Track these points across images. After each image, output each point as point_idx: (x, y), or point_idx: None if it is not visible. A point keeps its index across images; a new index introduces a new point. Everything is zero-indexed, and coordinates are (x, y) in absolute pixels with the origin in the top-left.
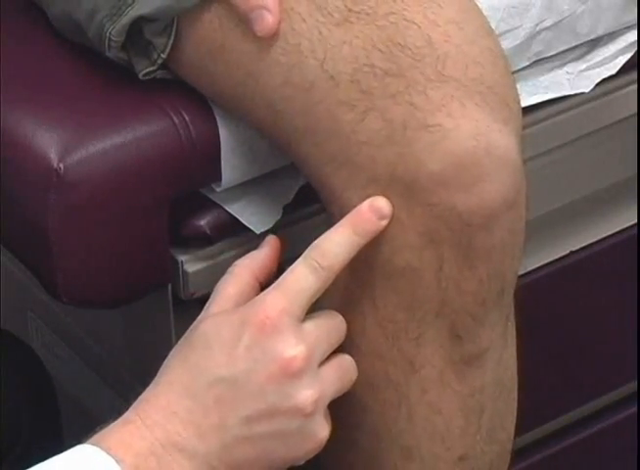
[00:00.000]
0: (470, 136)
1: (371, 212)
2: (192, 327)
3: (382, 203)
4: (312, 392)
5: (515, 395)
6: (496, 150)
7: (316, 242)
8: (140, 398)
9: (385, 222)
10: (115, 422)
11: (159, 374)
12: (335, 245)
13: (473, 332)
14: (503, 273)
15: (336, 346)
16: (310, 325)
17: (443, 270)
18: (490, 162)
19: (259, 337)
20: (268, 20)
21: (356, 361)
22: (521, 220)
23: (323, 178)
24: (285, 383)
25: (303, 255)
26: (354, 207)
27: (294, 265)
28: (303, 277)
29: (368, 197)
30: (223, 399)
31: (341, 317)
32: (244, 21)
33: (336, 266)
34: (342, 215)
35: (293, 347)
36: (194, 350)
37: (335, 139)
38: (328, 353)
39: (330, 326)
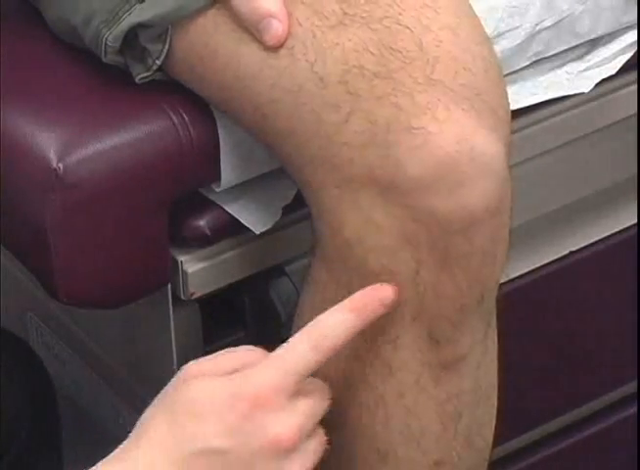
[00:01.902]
0: (453, 141)
1: (374, 300)
2: (176, 384)
3: (387, 292)
4: (301, 467)
5: (494, 401)
6: (480, 156)
7: (318, 320)
8: (118, 452)
9: (387, 310)
10: None
11: (140, 429)
12: (337, 326)
13: (451, 337)
14: (483, 280)
15: (320, 418)
16: (302, 401)
17: (420, 274)
18: (473, 167)
19: (252, 411)
20: (277, 28)
21: (335, 362)
22: (503, 228)
23: (302, 179)
24: (275, 458)
25: (304, 331)
26: (328, 207)
27: (293, 341)
28: (302, 355)
29: (341, 197)
30: (211, 469)
31: (326, 388)
32: (252, 30)
33: (335, 348)
34: (320, 216)
35: (284, 424)
36: (183, 414)
37: (316, 140)
38: (313, 427)
39: (319, 402)
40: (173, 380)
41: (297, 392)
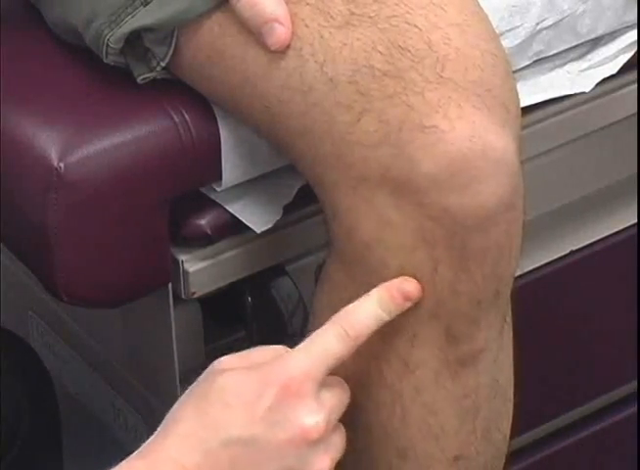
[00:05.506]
0: (465, 138)
1: (398, 293)
2: (207, 377)
3: (411, 286)
4: (328, 459)
5: (511, 396)
6: (492, 152)
7: (346, 309)
8: (147, 445)
9: (409, 304)
10: (122, 468)
11: (168, 422)
12: (363, 316)
13: (468, 333)
14: (499, 275)
15: (343, 410)
16: (327, 393)
17: (438, 272)
18: (486, 163)
19: (281, 399)
20: (281, 33)
21: (351, 360)
22: (517, 222)
23: (316, 178)
24: (304, 448)
25: (333, 320)
26: (343, 207)
27: (322, 329)
28: (331, 343)
29: (355, 197)
30: (239, 459)
31: (347, 387)
32: (256, 34)
33: (362, 337)
34: (334, 216)
35: (314, 414)
36: (211, 404)
37: (328, 140)
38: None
39: (342, 396)
40: (204, 373)
41: (321, 384)
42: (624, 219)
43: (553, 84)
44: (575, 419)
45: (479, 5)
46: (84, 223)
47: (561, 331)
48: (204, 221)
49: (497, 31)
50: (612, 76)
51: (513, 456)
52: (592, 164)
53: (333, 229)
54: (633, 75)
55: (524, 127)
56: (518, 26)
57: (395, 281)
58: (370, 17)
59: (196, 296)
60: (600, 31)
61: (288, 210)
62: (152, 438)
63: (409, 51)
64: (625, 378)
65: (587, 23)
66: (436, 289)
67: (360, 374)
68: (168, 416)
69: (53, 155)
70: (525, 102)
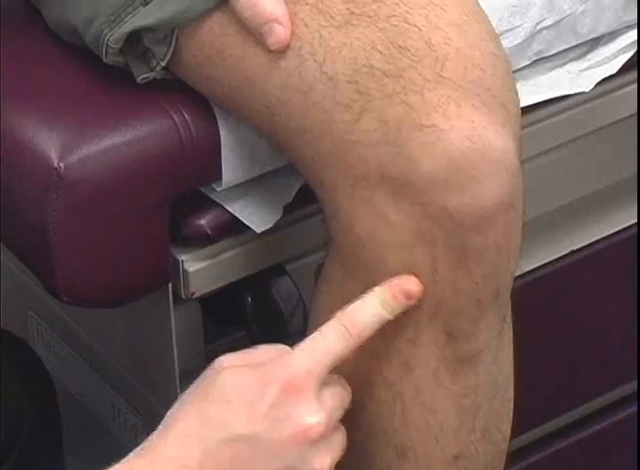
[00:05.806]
0: (465, 137)
1: (400, 292)
2: (207, 375)
3: (412, 285)
4: (329, 458)
5: (510, 395)
6: (492, 151)
7: (348, 308)
8: (147, 444)
9: (411, 302)
10: (121, 467)
11: (167, 421)
12: (365, 315)
13: (468, 332)
14: (498, 274)
15: (345, 409)
16: (328, 392)
17: (438, 271)
18: (485, 163)
19: (283, 397)
20: (280, 33)
21: (353, 360)
22: (517, 222)
23: (315, 177)
24: (305, 447)
25: (334, 318)
26: (341, 206)
27: (324, 327)
28: (332, 342)
29: (354, 195)
30: (240, 457)
31: (348, 387)
32: (255, 34)
33: (364, 335)
34: (333, 215)
35: (315, 413)
36: (212, 403)
37: (328, 139)
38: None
39: (343, 395)
40: (204, 372)
41: (323, 383)
42: (624, 219)
43: (553, 84)
44: (575, 419)
45: (478, 5)
46: (84, 223)
47: (561, 331)
48: (203, 221)
49: (497, 31)
50: (612, 76)
51: (513, 456)
52: (592, 164)
53: (331, 227)
54: (633, 75)
55: (524, 127)
56: (518, 26)
57: (397, 280)
58: (369, 16)
59: (196, 296)
60: (600, 31)
61: (288, 210)
62: (151, 436)
63: (409, 50)
64: (625, 378)
65: (587, 23)
66: (437, 287)
67: (361, 374)
68: (168, 415)
69: (53, 155)
70: (525, 102)
